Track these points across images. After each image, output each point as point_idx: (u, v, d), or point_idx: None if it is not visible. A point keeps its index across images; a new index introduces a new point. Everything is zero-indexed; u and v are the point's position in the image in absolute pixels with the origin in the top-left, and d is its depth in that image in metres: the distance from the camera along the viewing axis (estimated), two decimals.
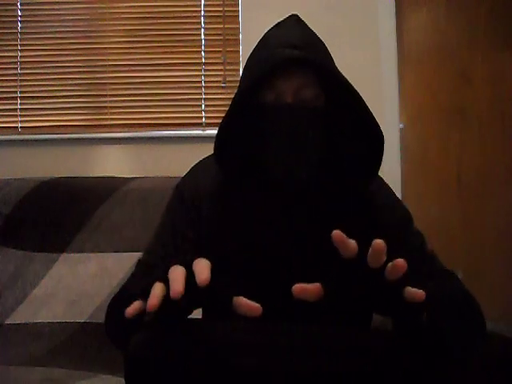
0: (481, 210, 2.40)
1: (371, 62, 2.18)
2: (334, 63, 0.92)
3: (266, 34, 0.94)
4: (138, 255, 0.96)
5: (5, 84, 2.23)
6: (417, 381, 0.64)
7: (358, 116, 0.90)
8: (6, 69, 2.23)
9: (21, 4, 2.24)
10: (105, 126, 2.21)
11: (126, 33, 2.24)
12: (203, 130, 2.20)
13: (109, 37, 2.23)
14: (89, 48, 2.23)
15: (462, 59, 2.43)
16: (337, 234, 0.57)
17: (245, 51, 2.17)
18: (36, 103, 2.22)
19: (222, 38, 2.22)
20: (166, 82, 2.21)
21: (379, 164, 0.91)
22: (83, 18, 2.25)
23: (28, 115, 2.22)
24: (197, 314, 0.69)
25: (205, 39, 2.23)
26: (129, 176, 1.96)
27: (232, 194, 0.93)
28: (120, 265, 1.69)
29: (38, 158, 2.15)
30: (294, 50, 0.85)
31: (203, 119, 2.21)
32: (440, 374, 0.65)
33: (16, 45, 2.23)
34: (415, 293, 0.57)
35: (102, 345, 1.44)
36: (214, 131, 0.91)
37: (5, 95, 2.22)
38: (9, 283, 1.71)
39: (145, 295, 0.59)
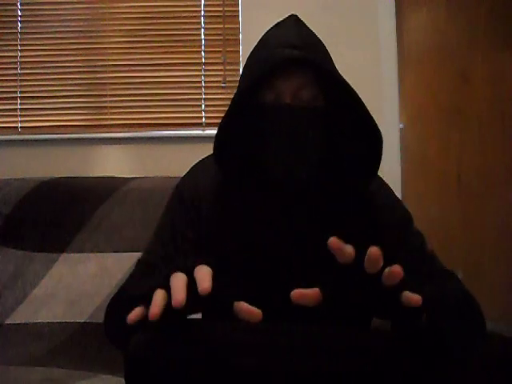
0: (481, 210, 2.40)
1: (371, 62, 2.18)
2: (334, 63, 0.92)
3: (265, 34, 0.94)
4: (137, 255, 0.96)
5: (5, 84, 2.23)
6: (417, 381, 0.64)
7: (357, 116, 0.90)
8: (6, 69, 2.23)
9: (21, 4, 2.24)
10: (105, 126, 2.21)
11: (126, 33, 2.23)
12: (203, 130, 2.20)
13: (109, 37, 2.23)
14: (89, 48, 2.23)
15: (461, 59, 2.43)
16: (333, 241, 0.57)
17: (245, 51, 2.17)
18: (36, 103, 2.22)
19: (221, 38, 2.22)
20: (166, 82, 2.21)
21: (379, 164, 0.91)
22: (83, 17, 2.24)
23: (28, 115, 2.22)
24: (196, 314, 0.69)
25: (205, 39, 2.23)
26: (129, 176, 1.96)
27: (232, 193, 0.93)
28: (120, 265, 1.69)
29: (37, 158, 2.15)
30: (293, 50, 0.85)
31: (203, 119, 2.21)
32: (440, 374, 0.65)
33: (16, 45, 2.23)
34: (411, 297, 0.57)
35: (102, 345, 1.44)
36: (213, 131, 0.90)
37: (5, 95, 2.22)
38: (9, 283, 1.71)
39: (145, 299, 0.59)
